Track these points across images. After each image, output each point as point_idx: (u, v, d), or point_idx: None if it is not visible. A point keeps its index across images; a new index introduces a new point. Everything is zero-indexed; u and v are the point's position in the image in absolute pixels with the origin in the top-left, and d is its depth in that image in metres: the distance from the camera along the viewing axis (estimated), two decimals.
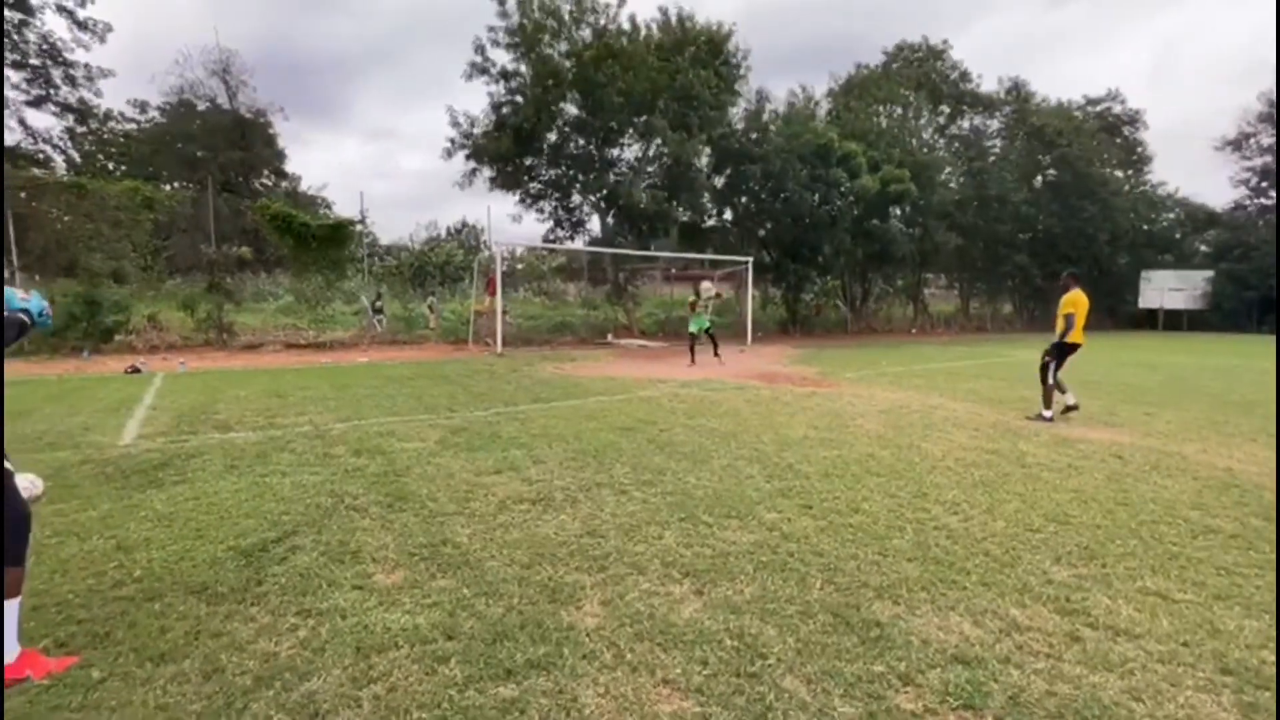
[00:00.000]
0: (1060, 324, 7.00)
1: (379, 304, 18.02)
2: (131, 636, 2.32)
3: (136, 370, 10.14)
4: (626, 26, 18.27)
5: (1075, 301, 6.93)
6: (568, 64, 17.36)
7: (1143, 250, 35.43)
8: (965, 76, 30.39)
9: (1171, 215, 38.12)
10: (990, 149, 31.77)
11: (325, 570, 2.89)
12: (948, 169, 28.68)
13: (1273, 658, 2.31)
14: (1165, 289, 34.29)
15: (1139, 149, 36.50)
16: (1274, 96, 32.75)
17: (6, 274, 12.97)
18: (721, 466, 4.78)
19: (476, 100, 37.88)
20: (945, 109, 30.70)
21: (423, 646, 2.28)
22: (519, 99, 17.91)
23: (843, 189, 20.93)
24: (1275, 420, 6.89)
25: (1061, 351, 7.02)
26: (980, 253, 30.42)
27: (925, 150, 26.56)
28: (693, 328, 12.46)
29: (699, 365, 12.01)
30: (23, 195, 13.41)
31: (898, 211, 24.64)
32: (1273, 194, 34.36)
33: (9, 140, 24.38)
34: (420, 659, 2.20)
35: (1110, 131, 35.51)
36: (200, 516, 3.55)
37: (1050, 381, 6.98)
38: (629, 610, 2.57)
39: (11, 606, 2.10)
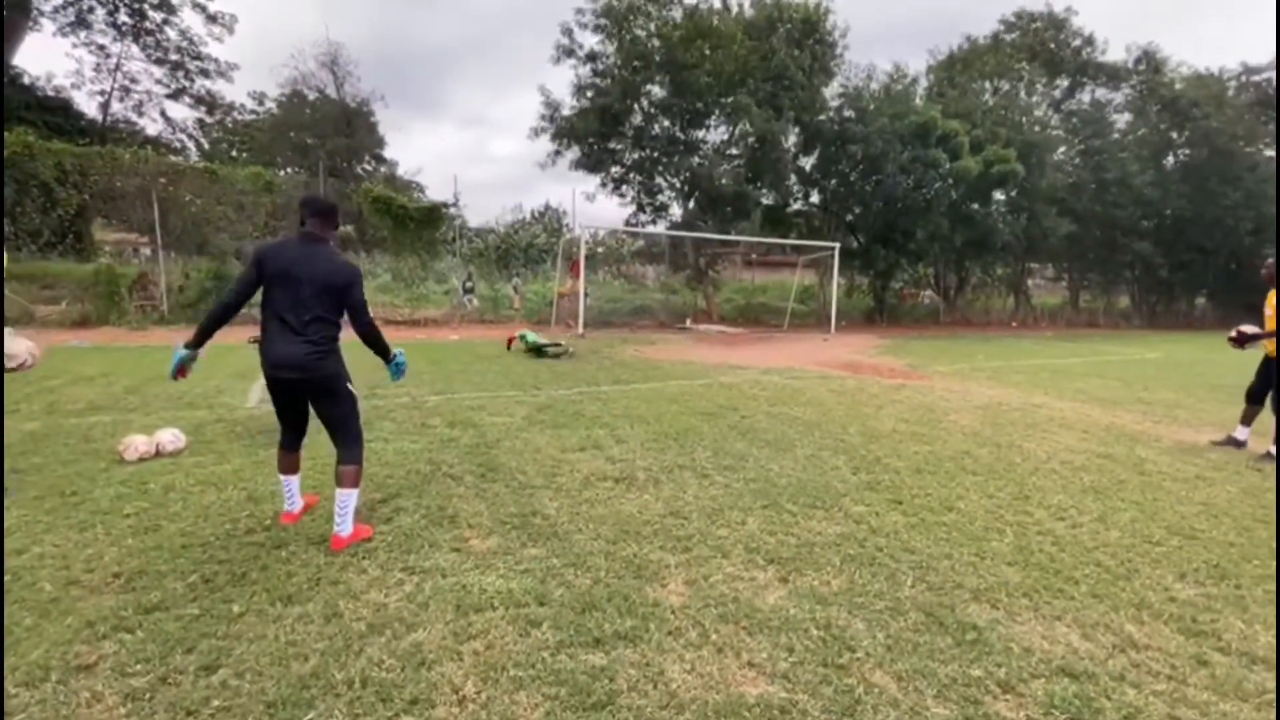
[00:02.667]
0: (1271, 325, 5.35)
1: (469, 284, 18.80)
2: (264, 578, 2.58)
3: (257, 340, 11.13)
4: (718, 5, 17.93)
5: None
6: (656, 43, 17.23)
7: None
8: (1090, 42, 27.50)
9: None
10: (1113, 125, 28.75)
11: (426, 532, 3.09)
12: (1062, 149, 26.30)
13: None
14: None
15: None
16: None
17: (149, 252, 14.52)
18: (805, 456, 4.69)
19: (565, 85, 38.40)
20: (1063, 82, 28.08)
21: (517, 609, 2.40)
22: (606, 80, 18.00)
23: (941, 170, 19.70)
24: (1274, 422, 5.84)
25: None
26: (1095, 240, 27.76)
27: (1037, 128, 24.48)
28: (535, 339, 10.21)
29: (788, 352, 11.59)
30: (163, 181, 14.91)
31: (1001, 195, 22.93)
32: None
33: (151, 130, 27.17)
34: (514, 621, 2.32)
35: (1267, 105, 31.28)
36: (315, 475, 3.86)
37: None
38: (713, 592, 2.59)
39: (355, 494, 3.01)
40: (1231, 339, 5.64)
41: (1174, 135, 28.54)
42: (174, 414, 5.34)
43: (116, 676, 1.95)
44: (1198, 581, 2.86)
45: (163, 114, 27.55)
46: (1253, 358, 5.83)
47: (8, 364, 3.61)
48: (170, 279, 14.56)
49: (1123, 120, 29.20)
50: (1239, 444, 5.50)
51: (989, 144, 20.60)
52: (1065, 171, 25.82)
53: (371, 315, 3.09)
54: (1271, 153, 31.22)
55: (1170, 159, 28.91)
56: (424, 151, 65.97)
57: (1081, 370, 11.07)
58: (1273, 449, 5.17)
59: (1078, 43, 27.51)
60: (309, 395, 3.01)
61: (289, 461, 3.16)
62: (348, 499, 2.93)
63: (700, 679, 2.03)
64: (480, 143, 70.34)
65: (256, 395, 6.29)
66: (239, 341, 10.91)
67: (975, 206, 21.58)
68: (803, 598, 2.57)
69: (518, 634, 2.24)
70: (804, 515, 3.49)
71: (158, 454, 4.14)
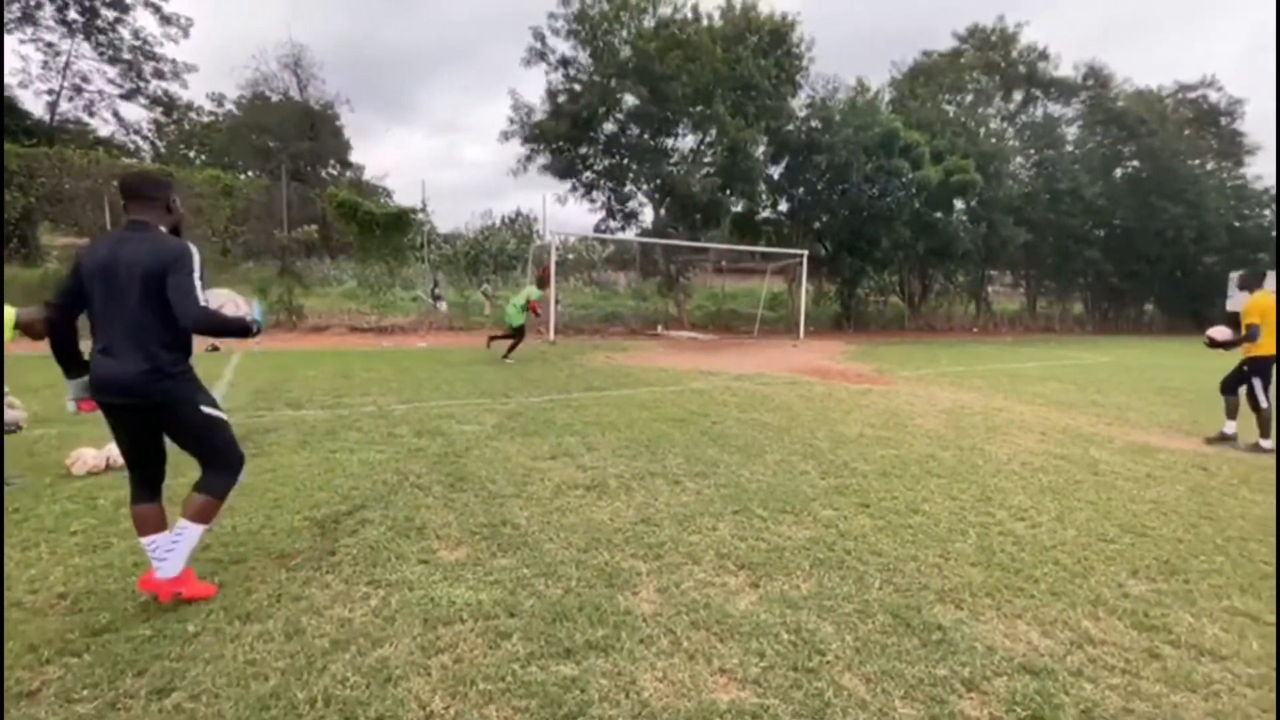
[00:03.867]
0: (1244, 333, 5.82)
1: (436, 290, 18.55)
2: (221, 596, 2.49)
3: (215, 349, 10.78)
4: (690, 15, 18.11)
5: (1261, 307, 5.72)
6: (630, 52, 17.31)
7: (1234, 249, 32.90)
8: (1044, 56, 28.59)
9: (1268, 213, 35.26)
10: (1064, 138, 29.95)
11: (393, 544, 3.02)
12: (1017, 159, 27.27)
13: None
14: None
15: (1239, 139, 33.76)
16: None
17: None
18: (775, 461, 4.74)
19: (536, 89, 38.41)
20: (1017, 96, 29.14)
21: (486, 621, 2.36)
22: (576, 86, 18.00)
23: (904, 180, 20.22)
24: (1275, 425, 6.29)
25: (1262, 370, 5.77)
26: (1050, 248, 28.85)
27: (993, 140, 25.34)
28: (513, 322, 10.70)
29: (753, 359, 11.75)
30: (115, 183, 14.37)
31: (961, 205, 23.64)
32: None
33: (104, 131, 26.20)
34: (484, 633, 2.28)
35: (1204, 121, 33.01)
36: (277, 488, 3.76)
37: (1265, 405, 5.74)
38: (685, 599, 2.60)
39: (200, 532, 2.51)
40: (1206, 344, 6.29)
41: (1121, 149, 29.88)
42: None
43: (62, 703, 1.85)
44: (1149, 577, 2.97)
45: (115, 115, 26.60)
46: (1199, 363, 6.16)
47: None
48: None
49: (1073, 133, 30.43)
50: (1229, 438, 5.98)
51: (949, 154, 21.23)
52: (1020, 181, 26.76)
53: (207, 302, 2.31)
54: (1211, 165, 32.92)
55: (1118, 171, 30.22)
56: (396, 158, 65.44)
57: (1039, 374, 11.44)
58: (1262, 441, 5.70)
59: (1032, 57, 28.55)
60: (151, 426, 2.43)
61: (147, 518, 2.43)
62: (184, 534, 2.40)
63: (672, 687, 2.03)
64: (453, 148, 70.01)
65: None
66: (197, 350, 10.60)
67: (937, 215, 22.21)
68: (773, 602, 2.59)
69: (487, 646, 2.21)
70: (774, 520, 3.52)
71: (108, 468, 3.97)
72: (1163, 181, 28.58)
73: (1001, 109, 28.88)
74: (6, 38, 22.86)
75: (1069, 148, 29.63)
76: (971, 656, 2.25)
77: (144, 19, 24.46)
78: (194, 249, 2.33)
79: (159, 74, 26.33)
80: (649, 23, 17.69)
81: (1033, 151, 28.14)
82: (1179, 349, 19.43)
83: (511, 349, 10.68)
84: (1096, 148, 29.90)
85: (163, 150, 30.14)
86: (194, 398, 2.42)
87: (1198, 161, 31.57)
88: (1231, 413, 6.08)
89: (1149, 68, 69.18)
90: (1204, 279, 32.42)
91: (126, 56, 25.15)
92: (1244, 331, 5.83)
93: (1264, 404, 5.78)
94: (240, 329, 2.48)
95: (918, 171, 19.99)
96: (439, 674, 2.05)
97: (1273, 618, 2.63)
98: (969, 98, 27.12)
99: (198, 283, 2.27)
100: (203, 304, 2.27)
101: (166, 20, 24.62)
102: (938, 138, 21.94)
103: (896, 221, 20.93)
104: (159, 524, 2.44)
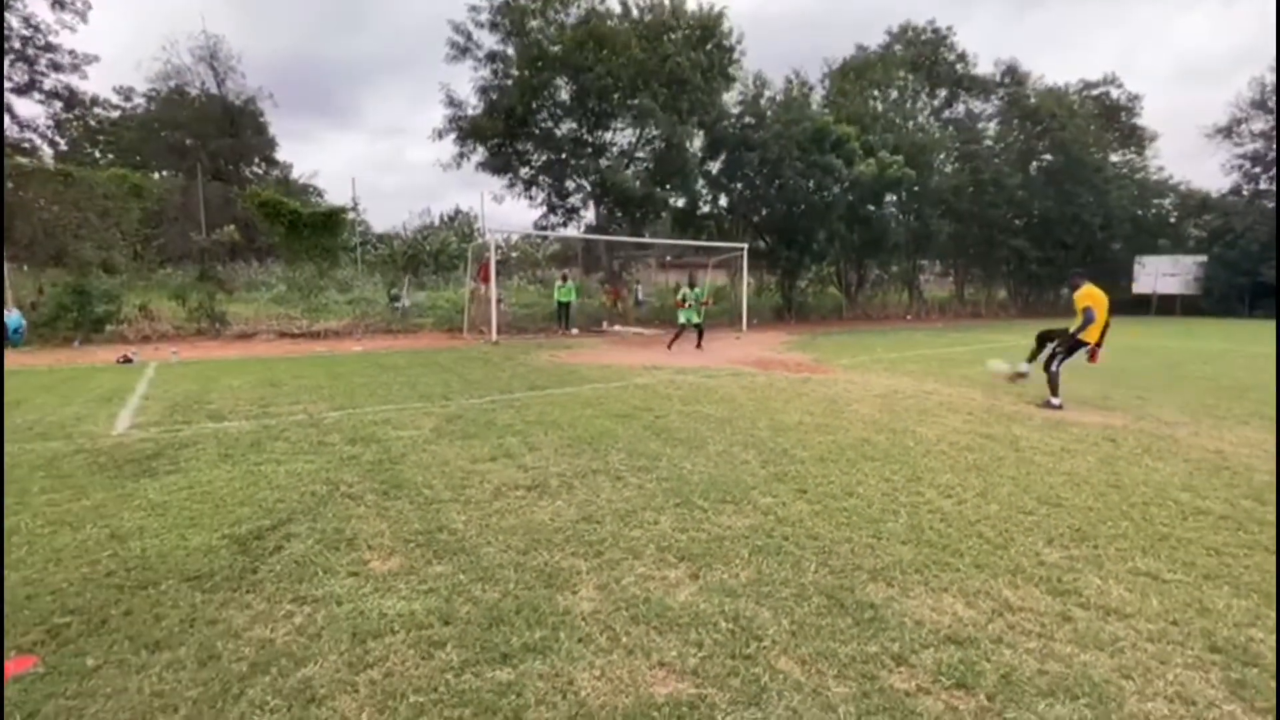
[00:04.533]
0: (1079, 318, 6.79)
1: (395, 290, 17.96)
2: (126, 624, 2.32)
3: (128, 360, 10.07)
4: (617, 8, 18.04)
5: (1091, 294, 6.75)
6: (555, 47, 17.12)
7: (1138, 236, 35.45)
8: (963, 58, 30.09)
9: (1166, 200, 38.13)
10: (985, 133, 31.60)
11: (321, 558, 2.89)
12: (943, 153, 28.54)
13: (1260, 634, 2.34)
14: (1159, 274, 34.35)
15: (1138, 133, 36.38)
16: (1265, 82, 32.65)
17: None
18: (717, 452, 4.79)
19: (469, 85, 37.72)
20: (942, 92, 30.49)
21: (419, 632, 2.28)
22: (508, 81, 17.69)
23: (837, 174, 20.82)
24: (1275, 407, 6.90)
25: (1072, 347, 6.88)
26: (975, 238, 30.40)
27: (921, 135, 26.41)
28: (682, 319, 12.98)
29: (675, 353, 12.16)
30: (9, 184, 13.21)
31: (893, 198, 24.55)
32: (1265, 179, 34.36)
33: None
34: (416, 644, 2.21)
35: (1108, 116, 35.37)
36: (194, 505, 3.53)
37: (1054, 369, 6.89)
38: (625, 594, 2.58)
39: None
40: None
41: (1036, 143, 31.72)
42: (21, 446, 4.73)
43: None
44: (1063, 545, 3.16)
45: (7, 110, 24.41)
46: (1110, 341, 6.99)
47: None
48: (20, 294, 12.92)
49: (992, 128, 32.10)
50: (1023, 375, 7.51)
51: (880, 149, 21.98)
52: (947, 174, 28.01)
53: None
54: (1116, 158, 35.35)
55: (1034, 164, 32.08)
56: (336, 161, 63.74)
57: (967, 358, 12.01)
58: (1053, 399, 6.81)
59: (953, 57, 29.93)
60: None
61: None
62: None
63: (610, 684, 2.01)
64: (397, 152, 69.06)
65: (126, 420, 5.68)
66: (106, 362, 9.88)
67: (870, 209, 22.96)
68: (712, 592, 2.61)
69: (419, 657, 2.13)
70: (715, 510, 3.55)
71: None
72: (1074, 171, 30.54)
73: (928, 105, 30.14)
74: None
75: (989, 142, 31.24)
76: (901, 632, 2.32)
77: (34, 4, 22.55)
78: None
79: (56, 66, 24.35)
80: (572, 15, 17.55)
81: (957, 146, 29.50)
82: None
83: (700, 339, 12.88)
84: (1014, 141, 31.62)
85: (64, 148, 27.93)
86: None
87: (1102, 155, 33.81)
88: (1031, 357, 7.42)
89: (1060, 67, 73.91)
90: (1112, 264, 34.80)
91: (17, 46, 23.13)
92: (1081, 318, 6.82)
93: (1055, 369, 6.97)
94: None
95: (852, 168, 20.59)
96: (367, 690, 1.96)
97: (1171, 575, 2.83)
98: (895, 94, 28.14)
99: None
100: None
101: (60, 4, 22.74)
102: (868, 132, 22.67)
103: (831, 215, 21.54)
104: None
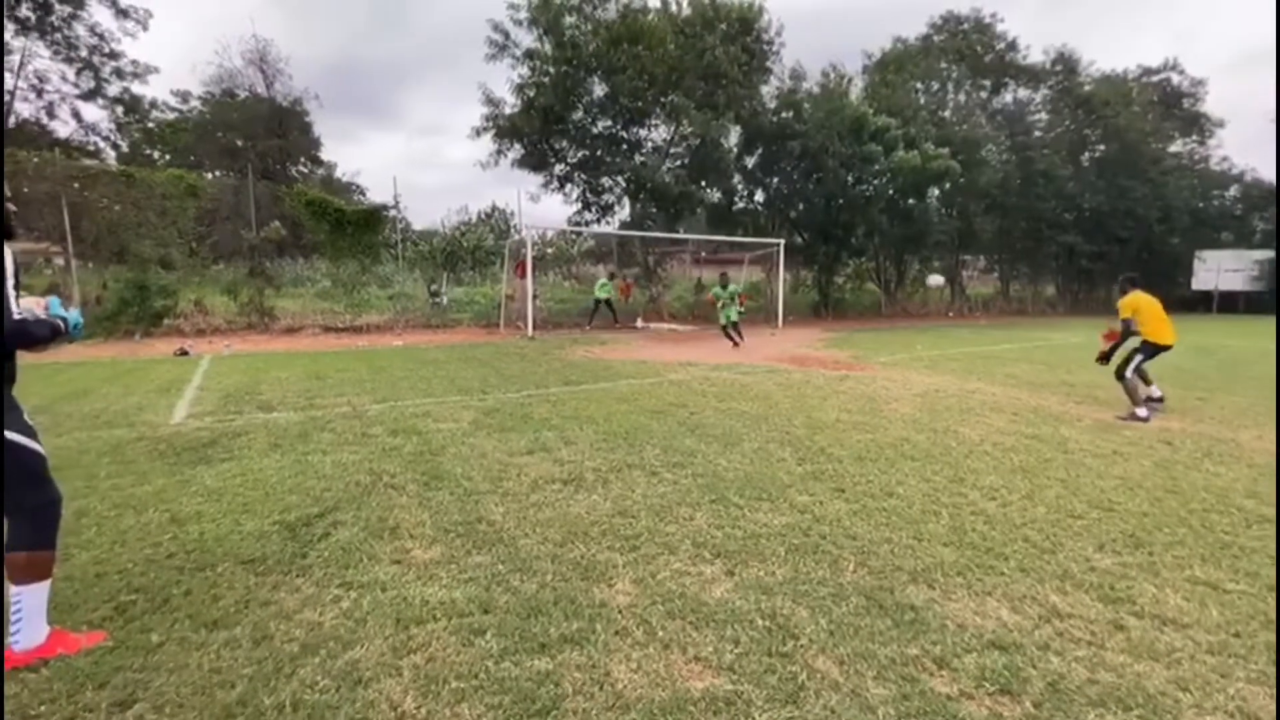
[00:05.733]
0: (1120, 327, 6.53)
1: (434, 286, 18.39)
2: (187, 604, 2.44)
3: (184, 353, 10.54)
4: (655, 3, 17.99)
5: (1133, 303, 6.46)
6: (590, 45, 17.17)
7: (1197, 229, 33.72)
8: (1013, 46, 29.01)
9: (1229, 192, 36.18)
10: (1035, 124, 30.43)
11: (366, 545, 2.98)
12: (989, 145, 27.64)
13: None
14: (1221, 269, 32.69)
15: (1201, 121, 34.55)
16: None
17: (61, 261, 13.55)
18: (752, 449, 4.76)
19: (506, 83, 38.22)
20: (987, 83, 29.50)
21: (460, 619, 2.34)
22: (544, 79, 17.83)
23: (877, 167, 20.36)
24: (1276, 407, 6.61)
25: (1149, 353, 6.40)
26: (1022, 233, 29.36)
27: (964, 126, 25.64)
28: (722, 319, 12.85)
29: (732, 349, 12.14)
30: (75, 185, 13.93)
31: (936, 192, 23.90)
32: None
33: (63, 133, 25.40)
34: (457, 631, 2.26)
35: (1168, 103, 33.73)
36: (247, 492, 3.69)
37: (1128, 376, 6.36)
38: (660, 589, 2.60)
39: (43, 589, 2.16)
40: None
41: (1088, 132, 30.43)
42: (89, 434, 5.00)
43: None
44: (1115, 551, 3.04)
45: (75, 115, 25.78)
46: (1178, 343, 6.65)
47: None
48: (85, 290, 13.63)
49: (1041, 118, 30.91)
50: (1141, 419, 6.19)
51: (922, 141, 21.41)
52: (993, 168, 27.14)
53: (21, 315, 2.01)
54: (1176, 147, 33.70)
55: (1086, 155, 30.81)
56: (377, 159, 65.71)
57: (1012, 356, 11.64)
58: (1137, 410, 6.14)
59: (1001, 46, 28.91)
60: None
61: None
62: (21, 601, 2.10)
63: (646, 677, 2.03)
64: (435, 150, 70.83)
65: (183, 410, 5.95)
66: (164, 354, 10.35)
67: (911, 202, 22.41)
68: (749, 589, 2.60)
69: (460, 644, 2.19)
70: (750, 508, 3.53)
71: None
72: (1129, 162, 29.21)
73: (972, 96, 29.22)
74: None
75: (1038, 133, 30.11)
76: (943, 635, 2.28)
77: (100, 14, 23.71)
78: (8, 252, 2.00)
79: (119, 73, 25.63)
80: (610, 12, 17.55)
81: (1004, 138, 28.52)
82: None
83: (738, 338, 12.63)
84: (1065, 132, 30.41)
85: (125, 150, 29.30)
86: None
87: (1160, 145, 32.27)
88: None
89: (1119, 55, 70.68)
90: (1169, 259, 33.22)
91: (84, 55, 24.37)
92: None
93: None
94: (52, 331, 2.12)
95: (894, 153, 20.07)
96: (411, 674, 2.02)
97: (1233, 585, 2.70)
98: (940, 85, 27.37)
99: (11, 292, 1.98)
100: (18, 315, 1.99)
101: (123, 14, 23.87)
102: (909, 125, 22.11)
103: (871, 209, 21.10)
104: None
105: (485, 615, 2.37)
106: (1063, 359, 11.14)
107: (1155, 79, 34.04)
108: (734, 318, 12.65)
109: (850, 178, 20.53)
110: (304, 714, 1.83)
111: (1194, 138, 34.93)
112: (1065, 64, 30.35)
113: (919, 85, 26.61)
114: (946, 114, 26.47)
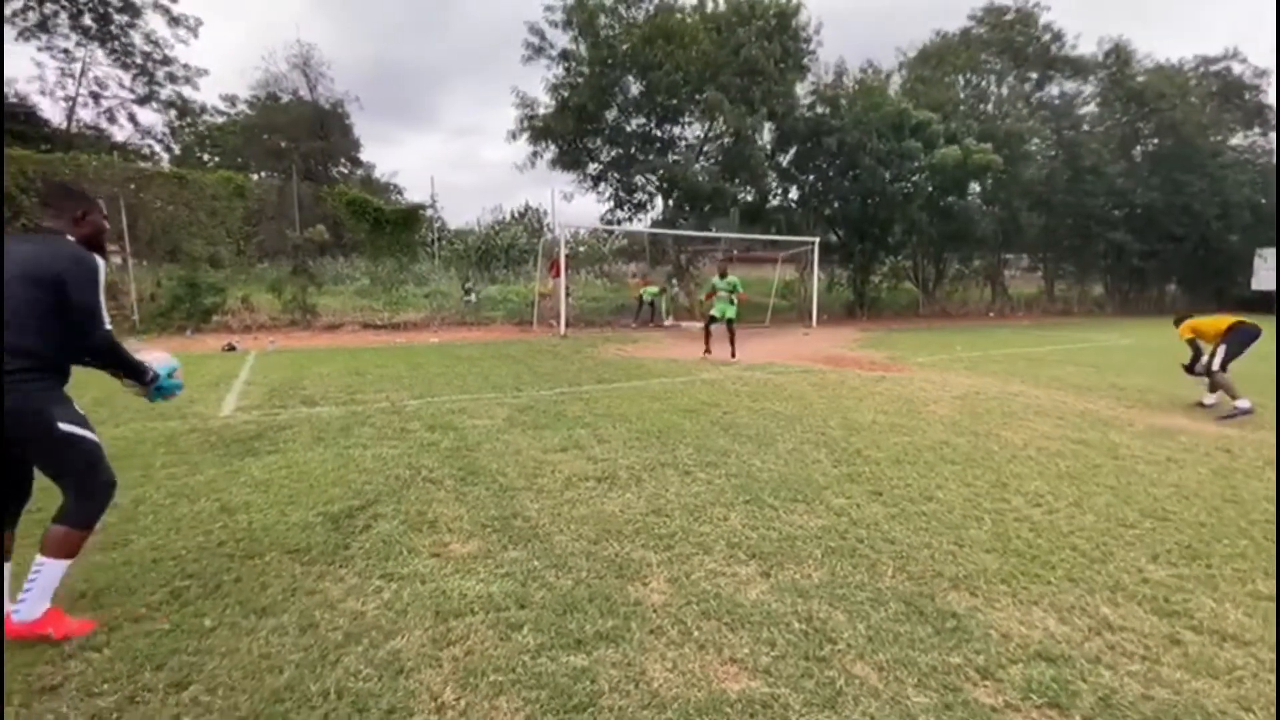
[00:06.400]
0: (1190, 350, 6.94)
1: (468, 284, 18.72)
2: (237, 590, 2.53)
3: (232, 348, 10.93)
4: (692, 1, 17.94)
5: (1193, 327, 6.92)
6: (624, 45, 17.21)
7: (1259, 226, 32.03)
8: (1058, 38, 27.97)
9: None
10: (1083, 118, 29.30)
11: (405, 538, 3.05)
12: (1035, 140, 26.73)
13: None
14: None
15: (1265, 113, 32.80)
16: None
17: (119, 260, 14.18)
18: (787, 450, 4.71)
19: (541, 85, 38.69)
20: (1033, 75, 28.52)
21: (497, 614, 2.37)
22: (579, 79, 17.94)
23: (917, 163, 19.89)
24: (1276, 407, 6.35)
25: (1242, 342, 6.53)
26: (1068, 230, 28.32)
27: (1009, 121, 24.84)
28: (715, 312, 10.59)
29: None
30: (132, 187, 14.57)
31: (977, 188, 23.23)
32: None
33: (120, 136, 26.58)
34: (495, 625, 2.30)
35: (1228, 95, 32.15)
36: (292, 484, 3.80)
37: (1216, 371, 6.50)
38: (695, 589, 2.59)
39: (62, 568, 2.22)
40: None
41: (1141, 126, 29.19)
42: (144, 425, 5.22)
43: (83, 697, 1.89)
44: (1170, 562, 2.92)
45: (132, 119, 26.96)
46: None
47: None
48: (141, 287, 14.24)
49: (1090, 111, 29.75)
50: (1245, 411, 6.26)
51: (963, 136, 20.84)
52: (1038, 163, 26.25)
53: (111, 327, 2.23)
54: (1235, 140, 32.08)
55: (1138, 149, 29.56)
56: (414, 159, 67.33)
57: (1057, 358, 11.26)
58: (1238, 403, 6.22)
59: (1047, 37, 27.93)
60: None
61: None
62: (41, 571, 2.18)
63: (682, 677, 2.02)
64: (471, 150, 72.20)
65: (231, 403, 6.17)
66: (213, 350, 10.75)
67: (952, 199, 21.83)
68: (784, 591, 2.57)
69: (498, 638, 2.22)
70: (785, 509, 3.50)
71: None
72: (1185, 156, 27.89)
73: (1016, 89, 28.30)
74: (24, 47, 23.22)
75: (1086, 127, 29.00)
76: (986, 644, 2.22)
77: (154, 22, 24.73)
78: (100, 262, 2.21)
79: (172, 78, 26.66)
80: (645, 10, 17.56)
81: (1050, 132, 27.54)
82: None
83: (733, 345, 10.49)
84: (1115, 125, 29.24)
85: (178, 153, 30.51)
86: (56, 411, 2.14)
87: (1219, 138, 30.76)
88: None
89: (1171, 43, 67.53)
90: (1227, 257, 31.68)
91: (139, 61, 25.45)
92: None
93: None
94: (135, 368, 2.35)
95: (934, 149, 19.58)
96: (450, 666, 2.06)
97: None
98: (983, 78, 26.59)
99: (103, 300, 2.19)
100: (105, 329, 2.19)
101: (175, 21, 24.86)
102: (950, 119, 21.54)
103: (910, 206, 20.64)
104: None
105: (522, 610, 2.40)
106: (1111, 361, 10.74)
107: (1215, 69, 32.45)
108: (730, 315, 10.41)
109: (888, 174, 20.11)
110: (348, 701, 1.88)
111: (1256, 130, 33.22)
112: (1117, 55, 29.14)
113: (960, 79, 25.89)
114: (988, 108, 25.68)
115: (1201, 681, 2.05)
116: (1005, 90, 27.68)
